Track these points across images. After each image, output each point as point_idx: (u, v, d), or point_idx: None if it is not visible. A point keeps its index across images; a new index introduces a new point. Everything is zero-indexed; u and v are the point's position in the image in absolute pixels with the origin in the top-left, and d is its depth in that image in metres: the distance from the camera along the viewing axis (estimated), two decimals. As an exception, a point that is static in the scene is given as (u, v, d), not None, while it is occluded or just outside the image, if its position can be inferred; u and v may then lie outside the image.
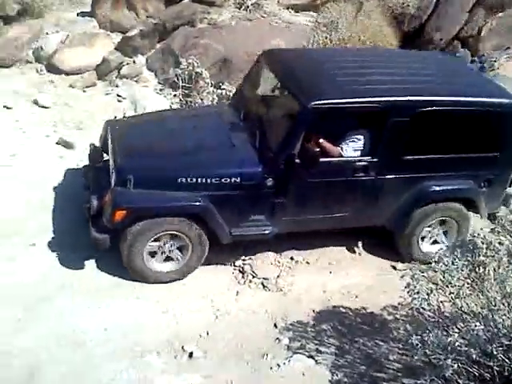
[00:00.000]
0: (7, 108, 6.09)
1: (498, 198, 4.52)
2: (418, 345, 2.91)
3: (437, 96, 3.99)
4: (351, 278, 4.38)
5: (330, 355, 3.57)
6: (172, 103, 6.42)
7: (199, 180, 3.65)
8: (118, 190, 3.66)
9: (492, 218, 4.75)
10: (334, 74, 4.03)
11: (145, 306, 3.82)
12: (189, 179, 3.64)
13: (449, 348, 2.88)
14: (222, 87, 6.27)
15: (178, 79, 6.44)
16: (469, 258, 4.34)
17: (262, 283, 4.24)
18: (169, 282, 4.00)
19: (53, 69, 6.82)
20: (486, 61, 8.08)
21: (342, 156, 3.95)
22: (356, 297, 4.18)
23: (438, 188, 4.15)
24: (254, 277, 4.27)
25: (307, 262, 4.47)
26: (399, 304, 3.91)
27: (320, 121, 3.74)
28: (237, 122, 4.12)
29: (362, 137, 3.96)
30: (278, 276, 4.29)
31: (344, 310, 4.02)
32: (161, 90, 6.75)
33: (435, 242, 4.47)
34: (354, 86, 3.91)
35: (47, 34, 7.37)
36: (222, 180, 3.67)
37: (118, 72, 6.97)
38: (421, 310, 3.90)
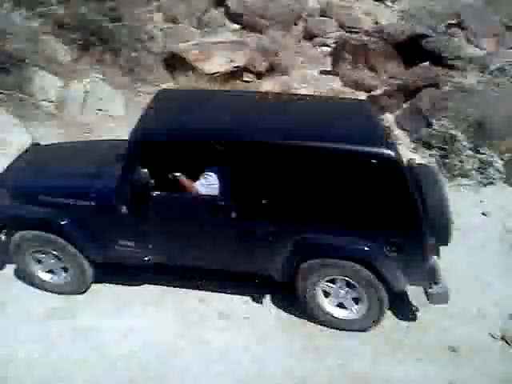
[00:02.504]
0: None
1: (418, 270, 3.65)
2: None
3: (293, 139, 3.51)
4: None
5: None
6: (429, 162, 6.08)
7: (59, 200, 3.81)
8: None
9: (427, 296, 3.72)
10: (194, 115, 3.82)
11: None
12: (50, 197, 3.82)
13: None
14: (481, 151, 6.12)
15: (431, 140, 6.48)
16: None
17: None
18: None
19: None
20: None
21: (197, 192, 3.75)
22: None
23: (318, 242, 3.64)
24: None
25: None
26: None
27: (154, 155, 3.63)
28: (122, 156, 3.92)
29: (213, 174, 3.74)
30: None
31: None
32: (414, 148, 6.70)
33: (342, 305, 3.90)
34: (203, 124, 3.71)
35: (296, 88, 8.02)
36: (79, 202, 3.78)
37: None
38: None
